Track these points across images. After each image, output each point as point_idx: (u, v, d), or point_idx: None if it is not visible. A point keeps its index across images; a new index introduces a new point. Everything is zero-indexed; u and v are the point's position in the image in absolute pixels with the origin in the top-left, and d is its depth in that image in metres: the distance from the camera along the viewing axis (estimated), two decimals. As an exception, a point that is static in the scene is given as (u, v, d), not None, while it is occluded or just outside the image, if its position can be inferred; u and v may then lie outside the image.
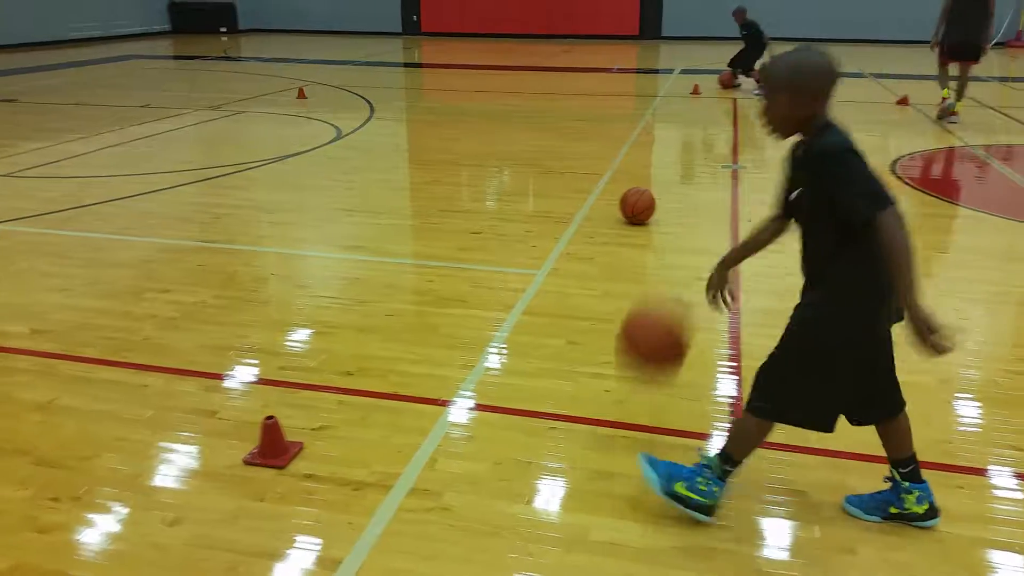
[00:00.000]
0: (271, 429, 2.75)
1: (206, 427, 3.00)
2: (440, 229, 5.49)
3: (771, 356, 2.26)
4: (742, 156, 7.75)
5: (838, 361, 2.16)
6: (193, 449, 2.86)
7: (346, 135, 8.73)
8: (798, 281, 2.33)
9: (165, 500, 2.58)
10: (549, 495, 2.61)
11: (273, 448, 2.75)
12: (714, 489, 2.37)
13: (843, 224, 2.02)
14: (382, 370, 3.45)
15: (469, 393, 3.23)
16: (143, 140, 8.46)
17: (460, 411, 3.12)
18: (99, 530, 2.43)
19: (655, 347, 2.57)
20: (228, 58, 17.73)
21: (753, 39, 12.10)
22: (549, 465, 2.75)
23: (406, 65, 17.33)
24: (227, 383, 3.35)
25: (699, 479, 2.37)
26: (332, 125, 9.22)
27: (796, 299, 2.32)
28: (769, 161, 7.56)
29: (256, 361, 3.53)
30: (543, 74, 14.95)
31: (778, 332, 2.29)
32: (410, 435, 2.94)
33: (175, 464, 2.78)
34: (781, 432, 2.37)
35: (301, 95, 11.21)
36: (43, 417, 3.05)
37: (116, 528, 2.45)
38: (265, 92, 12.00)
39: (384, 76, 14.71)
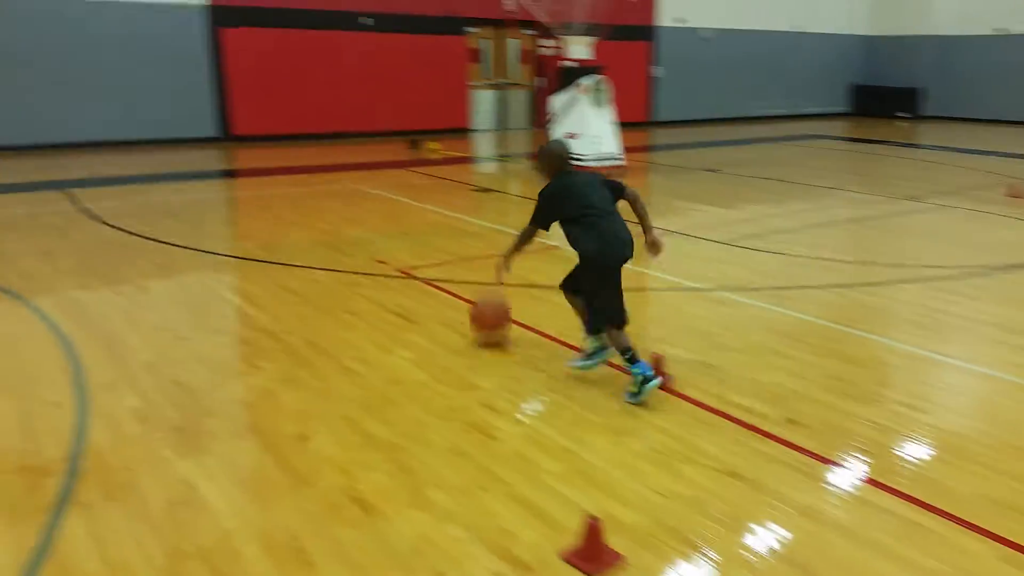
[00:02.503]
0: None
1: (1011, 612, 2.43)
2: None
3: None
4: None
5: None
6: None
7: (1087, 249, 7.24)
8: None
9: None
10: None
11: None
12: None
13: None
14: None
15: None
16: (841, 224, 8.35)
17: None
18: None
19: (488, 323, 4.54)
20: (912, 144, 16.97)
21: None
22: None
23: None
24: (1024, 558, 2.72)
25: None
26: (1064, 234, 7.79)
27: None
28: None
29: (1056, 539, 2.82)
30: None
31: None
32: None
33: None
34: None
35: (1014, 193, 9.85)
36: (813, 528, 2.87)
37: None
38: (964, 185, 10.93)
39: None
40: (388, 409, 3.80)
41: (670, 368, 4.20)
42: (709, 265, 6.58)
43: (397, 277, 6.07)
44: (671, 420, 3.69)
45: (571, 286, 4.18)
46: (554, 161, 4.05)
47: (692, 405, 3.86)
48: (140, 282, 5.86)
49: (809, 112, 23.44)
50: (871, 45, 24.08)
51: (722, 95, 21.40)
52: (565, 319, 5.08)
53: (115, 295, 5.53)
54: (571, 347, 4.60)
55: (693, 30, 20.51)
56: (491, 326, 4.55)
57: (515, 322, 4.99)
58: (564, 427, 3.63)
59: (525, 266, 6.50)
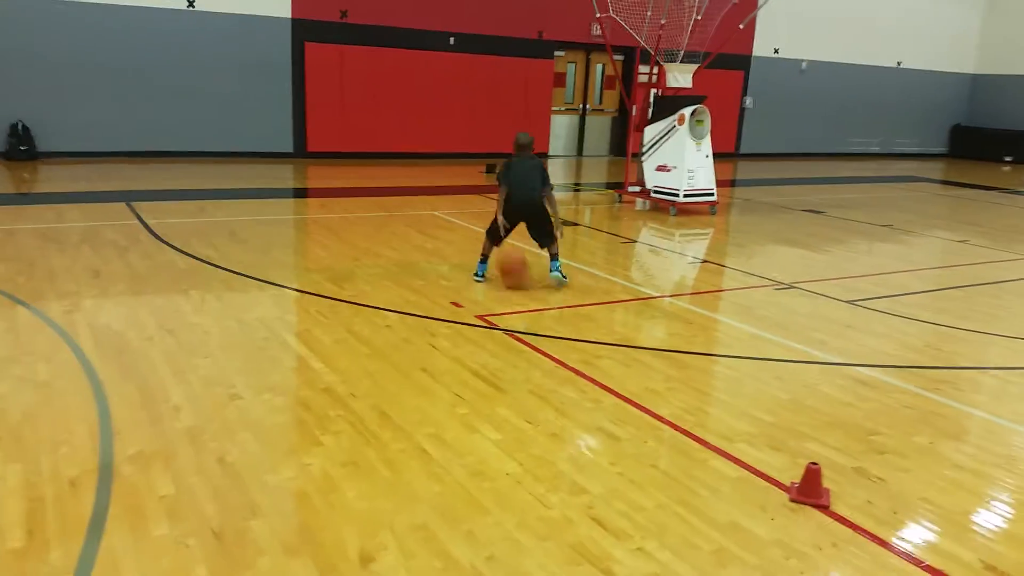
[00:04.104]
0: None
1: None
2: None
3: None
4: None
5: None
6: None
7: None
8: None
9: None
10: None
11: None
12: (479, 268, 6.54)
13: None
14: None
15: None
16: (983, 287, 7.30)
17: None
18: None
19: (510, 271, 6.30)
20: (1020, 192, 15.60)
21: None
22: None
23: None
24: None
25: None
26: None
27: None
28: None
29: None
30: None
31: None
32: None
33: None
34: None
35: None
36: None
37: None
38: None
39: None
40: (473, 517, 3.02)
41: (827, 480, 3.33)
42: (839, 331, 5.65)
43: (477, 326, 5.32)
44: (845, 563, 2.82)
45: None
46: (516, 147, 6.44)
47: (862, 537, 2.98)
48: (194, 319, 5.25)
49: (904, 151, 22.11)
50: (977, 84, 22.64)
51: (813, 129, 20.29)
52: (682, 395, 4.24)
53: (164, 333, 4.91)
54: (693, 437, 3.77)
55: (786, 60, 19.49)
56: (515, 273, 6.26)
57: (618, 395, 4.18)
58: (706, 566, 2.78)
59: (627, 323, 5.70)
